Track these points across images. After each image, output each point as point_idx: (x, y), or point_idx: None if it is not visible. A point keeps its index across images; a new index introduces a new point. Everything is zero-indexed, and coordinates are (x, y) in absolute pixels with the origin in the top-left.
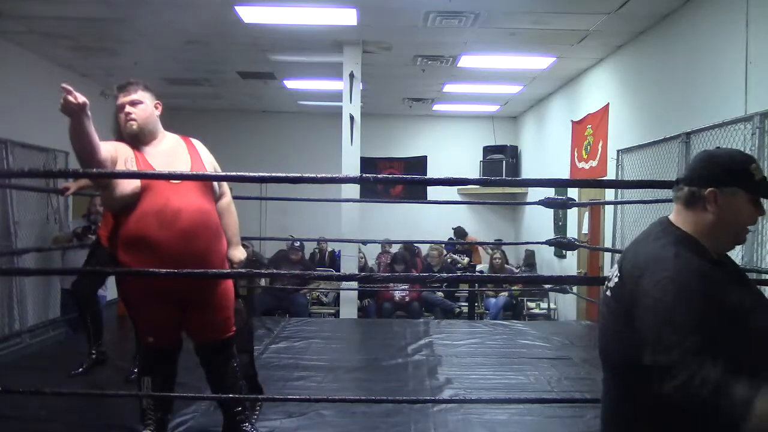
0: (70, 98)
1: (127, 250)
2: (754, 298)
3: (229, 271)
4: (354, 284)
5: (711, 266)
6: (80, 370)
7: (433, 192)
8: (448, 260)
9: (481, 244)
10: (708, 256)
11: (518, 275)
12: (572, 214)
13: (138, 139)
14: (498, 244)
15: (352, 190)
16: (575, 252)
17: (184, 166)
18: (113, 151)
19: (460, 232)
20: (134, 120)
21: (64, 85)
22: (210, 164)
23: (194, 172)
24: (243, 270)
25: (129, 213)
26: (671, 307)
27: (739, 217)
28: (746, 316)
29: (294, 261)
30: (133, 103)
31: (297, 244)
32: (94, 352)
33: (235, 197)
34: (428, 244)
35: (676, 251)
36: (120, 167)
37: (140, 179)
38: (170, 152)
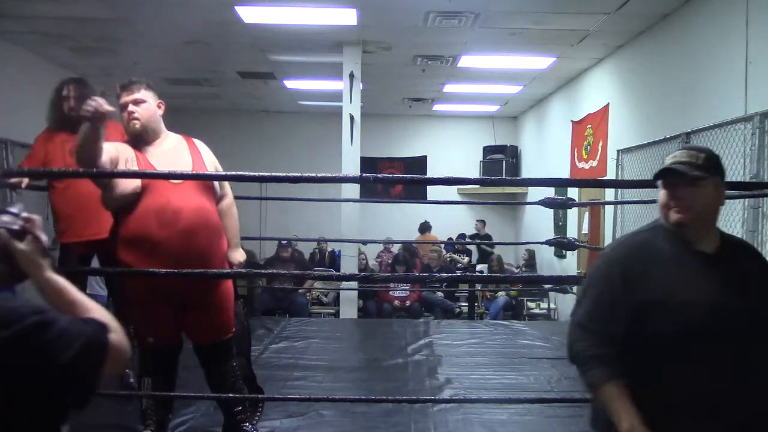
0: (100, 103)
1: (128, 250)
2: (683, 302)
3: (229, 271)
4: (354, 284)
5: (656, 251)
6: None
7: (433, 192)
8: (448, 259)
9: (464, 242)
10: (669, 238)
11: (518, 275)
12: (572, 214)
13: (140, 138)
14: (491, 243)
15: (352, 190)
16: (575, 252)
17: (185, 167)
18: (114, 152)
19: (423, 226)
20: (137, 119)
21: (95, 98)
22: (211, 164)
23: (194, 172)
24: (243, 270)
25: (129, 213)
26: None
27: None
28: (648, 314)
29: (285, 259)
30: (136, 102)
31: (284, 242)
32: None
33: (235, 197)
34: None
35: (637, 231)
36: (121, 167)
37: (141, 179)
38: (172, 152)
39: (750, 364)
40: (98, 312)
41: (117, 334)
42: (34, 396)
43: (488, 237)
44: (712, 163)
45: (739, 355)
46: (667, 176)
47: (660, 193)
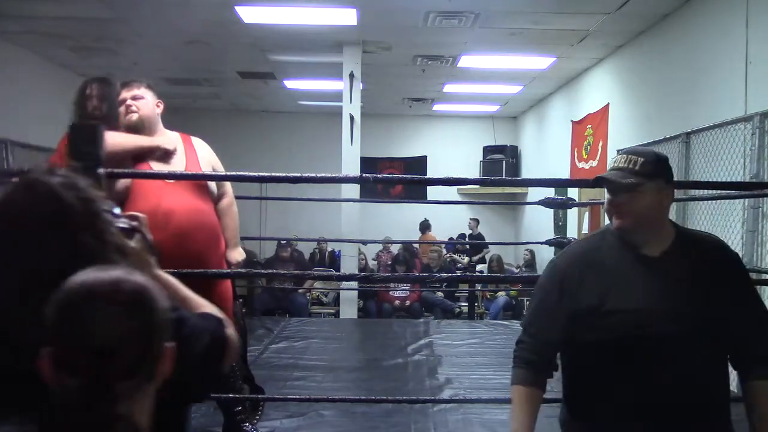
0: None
1: None
2: (618, 309)
3: (228, 271)
4: (354, 284)
5: (595, 259)
6: None
7: (433, 192)
8: (448, 259)
9: (464, 242)
10: (616, 242)
11: (518, 275)
12: (572, 214)
13: (135, 134)
14: (487, 243)
15: (352, 190)
16: None
17: (178, 165)
18: None
19: (423, 225)
20: (134, 112)
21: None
22: (208, 163)
23: (192, 172)
24: (243, 270)
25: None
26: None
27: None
28: (581, 321)
29: (285, 259)
30: (135, 98)
31: (284, 242)
32: None
33: (235, 197)
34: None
35: (588, 236)
36: None
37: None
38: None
39: (682, 368)
40: (209, 308)
41: (231, 328)
42: (170, 391)
43: (480, 236)
44: (650, 168)
45: (670, 359)
46: (604, 183)
47: (605, 198)
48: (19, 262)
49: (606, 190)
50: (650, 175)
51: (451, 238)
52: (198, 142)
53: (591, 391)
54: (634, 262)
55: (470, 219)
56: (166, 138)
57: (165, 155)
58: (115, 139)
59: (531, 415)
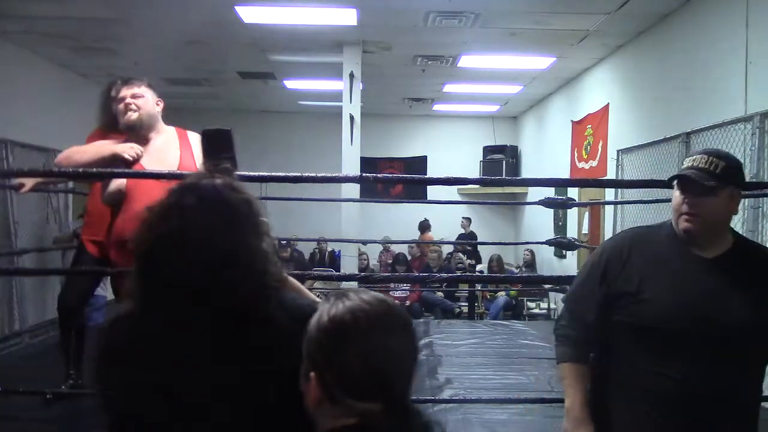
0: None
1: (118, 251)
2: (654, 299)
3: None
4: (354, 284)
5: (643, 246)
6: (63, 388)
7: (433, 192)
8: (456, 259)
9: (465, 243)
10: (672, 238)
11: (518, 275)
12: (572, 214)
13: (135, 132)
14: (491, 243)
15: (352, 190)
16: (575, 252)
17: (173, 163)
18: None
19: (422, 225)
20: (133, 110)
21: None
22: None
23: (189, 172)
24: None
25: (117, 214)
26: (586, 260)
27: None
28: (615, 304)
29: (284, 259)
30: (135, 96)
31: (284, 242)
32: (72, 373)
33: None
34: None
35: (645, 225)
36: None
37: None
38: (161, 149)
39: (709, 367)
40: None
41: None
42: None
43: (473, 235)
44: (730, 173)
45: (697, 357)
46: (681, 181)
47: (674, 194)
48: (201, 264)
49: (679, 188)
50: (729, 179)
51: (458, 238)
52: (194, 137)
53: (616, 374)
54: (686, 261)
55: (462, 218)
56: (130, 144)
57: (136, 158)
58: (71, 153)
59: (581, 391)
